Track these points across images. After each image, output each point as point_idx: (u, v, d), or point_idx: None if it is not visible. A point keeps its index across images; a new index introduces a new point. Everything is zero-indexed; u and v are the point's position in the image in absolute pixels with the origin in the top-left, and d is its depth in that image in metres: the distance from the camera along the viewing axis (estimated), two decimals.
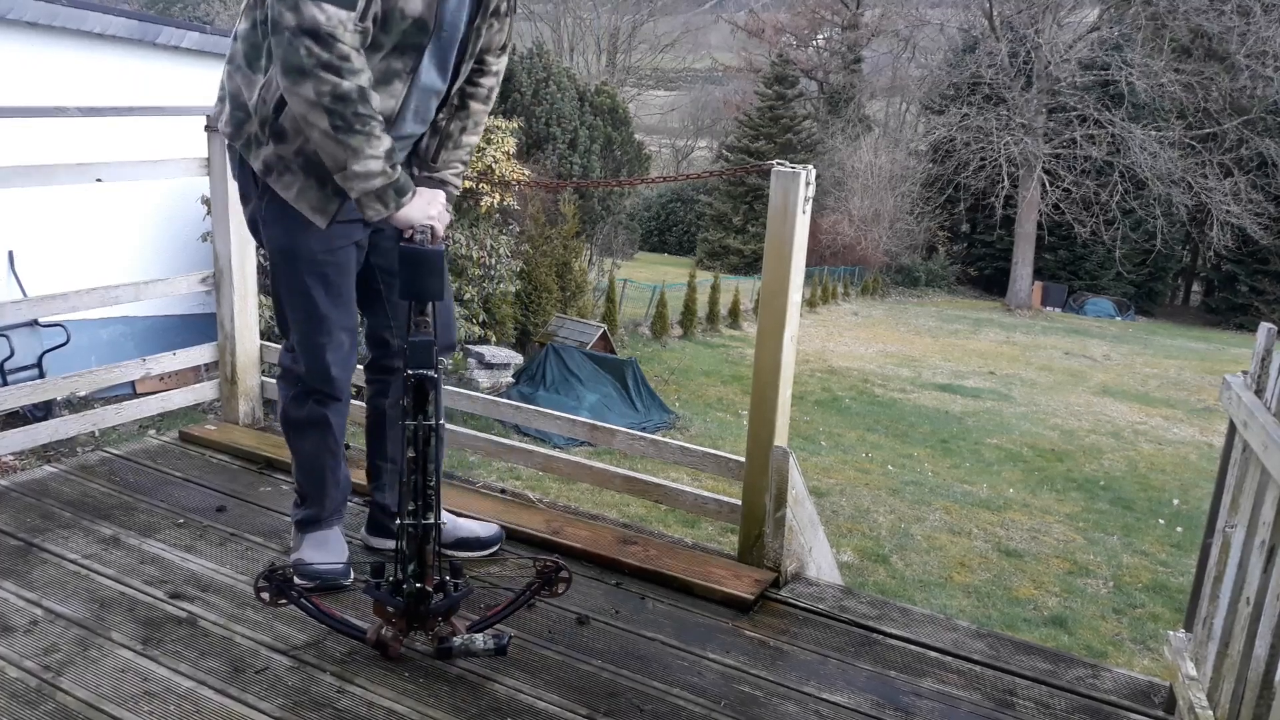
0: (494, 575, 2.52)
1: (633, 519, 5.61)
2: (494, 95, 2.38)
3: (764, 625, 2.44)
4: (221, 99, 2.20)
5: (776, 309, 2.54)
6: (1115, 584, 6.96)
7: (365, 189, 1.98)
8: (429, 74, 2.13)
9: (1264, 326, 2.01)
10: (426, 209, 2.08)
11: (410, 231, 2.09)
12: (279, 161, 2.10)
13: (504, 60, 2.36)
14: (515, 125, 10.73)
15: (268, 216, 2.19)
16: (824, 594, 2.63)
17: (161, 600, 2.32)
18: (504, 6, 2.23)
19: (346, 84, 1.88)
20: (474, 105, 2.33)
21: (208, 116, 3.23)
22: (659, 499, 3.03)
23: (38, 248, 7.55)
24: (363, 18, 1.90)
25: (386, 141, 1.97)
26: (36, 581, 2.37)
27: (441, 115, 2.28)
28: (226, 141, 2.22)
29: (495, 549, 2.66)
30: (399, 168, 2.01)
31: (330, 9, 1.85)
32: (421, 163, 2.32)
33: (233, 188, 3.24)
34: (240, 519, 2.81)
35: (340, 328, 2.29)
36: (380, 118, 1.96)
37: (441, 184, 2.32)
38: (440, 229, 2.14)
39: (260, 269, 3.57)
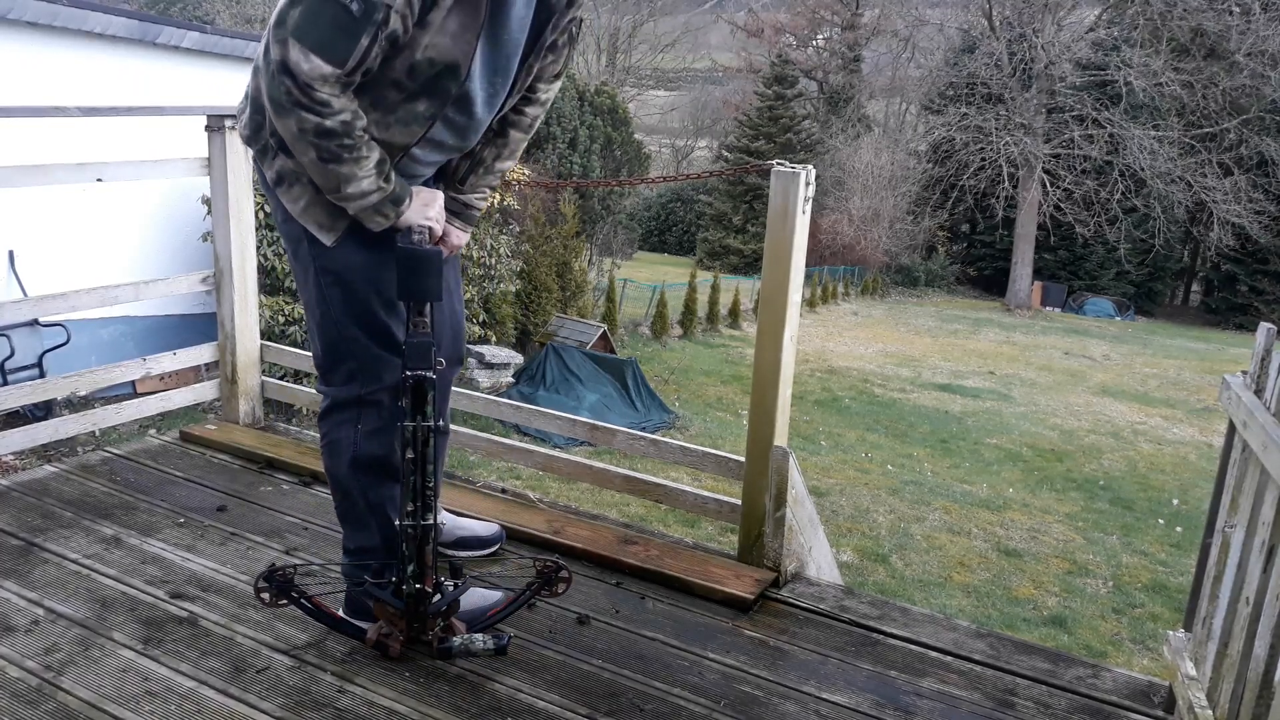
0: (494, 575, 2.53)
1: (633, 519, 5.61)
2: (537, 123, 2.28)
3: (764, 625, 2.44)
4: (246, 96, 2.11)
5: (776, 309, 2.54)
6: (1115, 584, 6.96)
7: (362, 206, 1.95)
8: (464, 113, 2.05)
9: (1263, 326, 2.01)
10: (425, 210, 2.06)
11: (408, 231, 2.08)
12: (291, 174, 2.03)
13: (555, 87, 2.25)
14: None
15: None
16: (824, 594, 2.64)
17: (162, 600, 2.32)
18: (562, 40, 2.14)
19: (328, 123, 1.83)
20: (514, 133, 2.25)
21: (208, 116, 3.24)
22: (659, 499, 3.03)
23: (38, 247, 7.55)
24: (352, 72, 1.82)
25: (375, 155, 1.92)
26: (38, 581, 2.37)
27: (478, 141, 2.19)
28: (246, 147, 2.17)
29: (495, 549, 2.66)
30: (393, 177, 1.97)
31: (315, 60, 1.77)
32: (448, 183, 2.25)
33: (233, 187, 3.26)
34: (241, 519, 2.81)
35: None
36: (367, 137, 1.90)
37: (465, 207, 2.28)
38: (439, 229, 2.12)
39: (260, 269, 3.58)
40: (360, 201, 1.95)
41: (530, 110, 2.23)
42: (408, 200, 2.00)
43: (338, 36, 1.77)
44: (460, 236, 2.26)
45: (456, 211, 2.26)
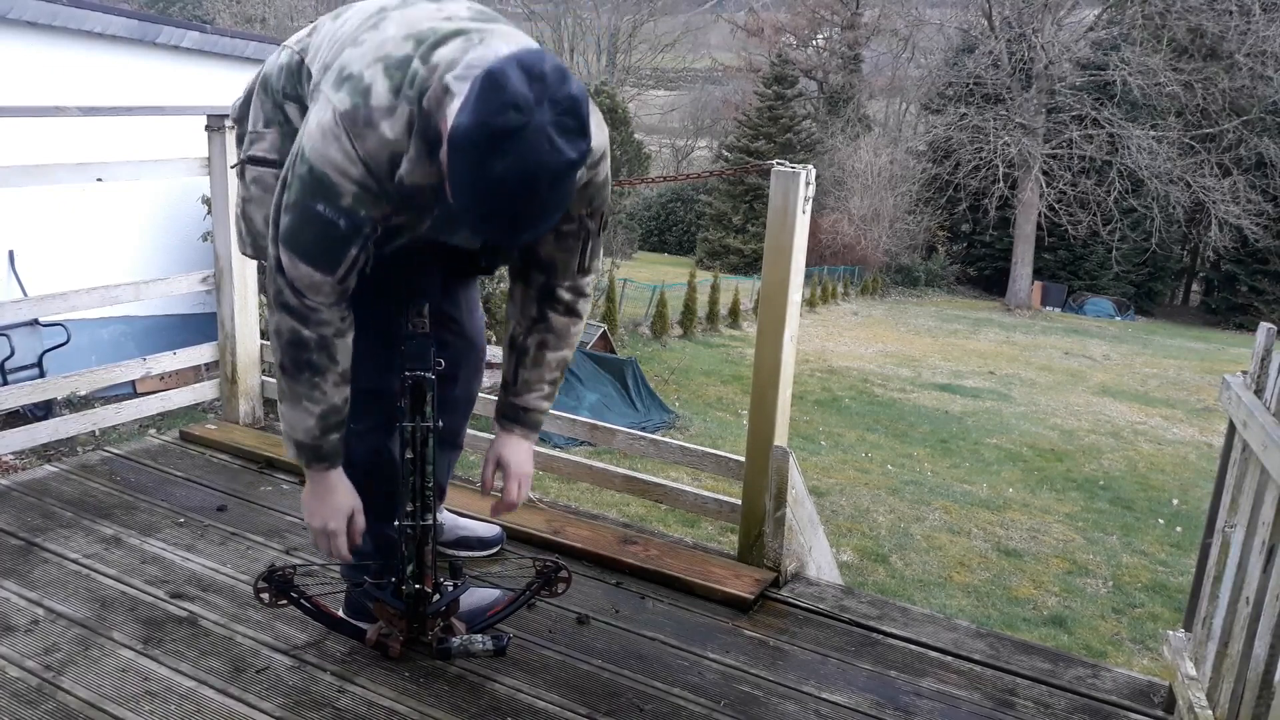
0: (494, 575, 2.52)
1: (633, 519, 5.61)
2: (581, 307, 2.04)
3: (764, 625, 2.44)
4: (248, 87, 2.11)
5: (776, 308, 2.54)
6: (1115, 584, 6.96)
7: (287, 433, 1.92)
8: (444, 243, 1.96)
9: (1263, 326, 2.01)
10: (325, 508, 1.94)
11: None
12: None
13: (586, 280, 2.02)
14: None
15: None
16: (824, 593, 2.64)
17: (162, 600, 2.32)
18: (567, 224, 1.91)
19: (306, 332, 1.80)
20: (554, 318, 2.02)
21: (208, 116, 3.24)
22: (659, 499, 3.03)
23: (38, 247, 7.55)
24: (344, 279, 1.78)
25: (329, 400, 1.86)
26: (37, 581, 2.37)
27: (518, 328, 2.04)
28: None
29: (496, 549, 2.66)
30: (331, 438, 1.90)
31: (305, 268, 1.75)
32: (504, 386, 2.10)
33: (233, 187, 3.26)
34: (241, 518, 2.81)
35: None
36: (336, 370, 1.86)
37: (523, 410, 2.07)
38: (326, 533, 1.95)
39: (260, 269, 3.58)
40: (288, 427, 1.91)
41: (563, 295, 2.01)
42: (324, 467, 1.92)
43: (326, 248, 1.74)
44: (520, 454, 2.07)
45: (512, 417, 2.08)
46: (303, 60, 1.91)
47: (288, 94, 1.94)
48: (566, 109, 1.51)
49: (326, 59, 1.81)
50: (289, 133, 1.94)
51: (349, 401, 1.91)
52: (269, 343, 2.06)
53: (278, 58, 2.00)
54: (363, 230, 1.73)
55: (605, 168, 1.88)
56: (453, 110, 1.58)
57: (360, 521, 2.00)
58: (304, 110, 1.86)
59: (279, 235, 1.77)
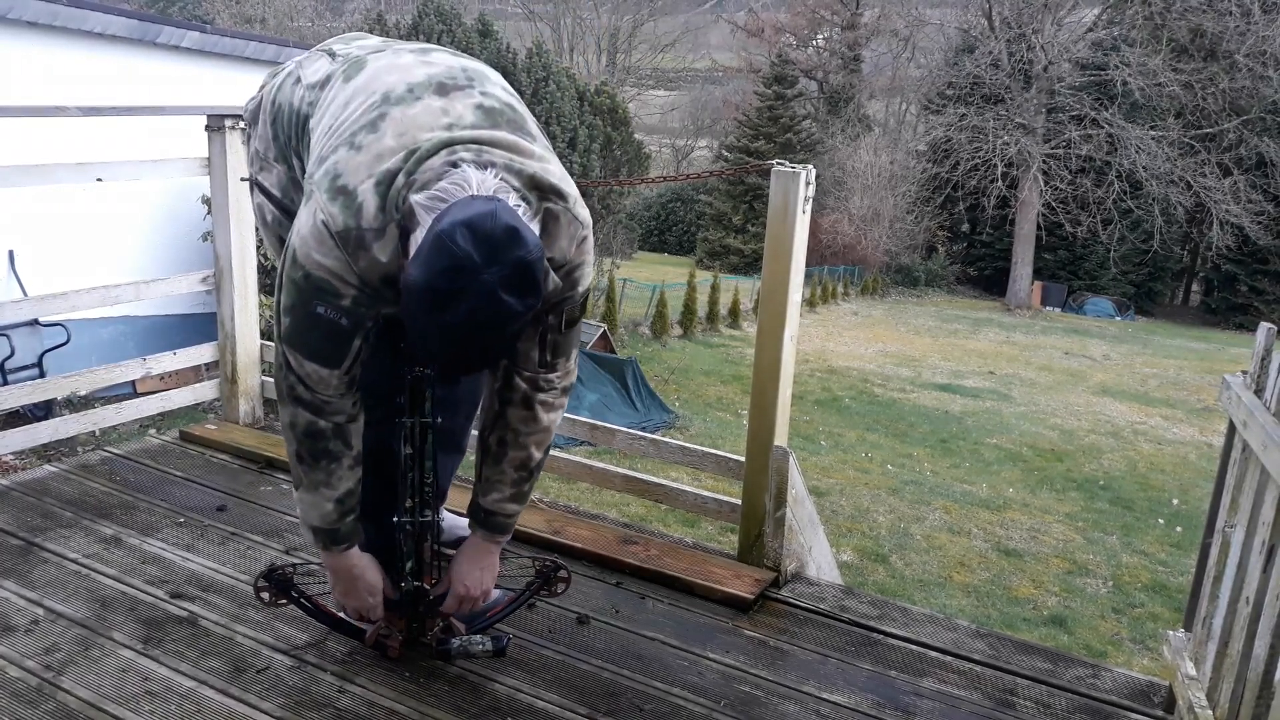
0: None
1: (633, 519, 5.61)
2: (539, 402, 1.93)
3: (764, 625, 2.44)
4: (260, 87, 2.12)
5: (776, 308, 2.54)
6: (1114, 584, 6.96)
7: (304, 519, 1.95)
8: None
9: (1263, 326, 2.01)
10: (359, 592, 2.01)
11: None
12: (259, 157, 2.09)
13: (554, 374, 1.94)
14: None
15: None
16: (824, 594, 2.64)
17: (162, 600, 2.33)
18: (533, 330, 1.86)
19: (322, 423, 1.84)
20: (510, 412, 1.94)
21: (208, 116, 3.24)
22: (659, 498, 3.03)
23: (38, 247, 7.55)
24: (349, 370, 1.81)
25: (345, 485, 1.89)
26: (37, 581, 2.37)
27: (485, 421, 2.01)
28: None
29: None
30: (347, 521, 1.93)
31: (311, 366, 1.79)
32: (474, 480, 2.07)
33: (233, 187, 3.26)
34: (241, 518, 2.81)
35: None
36: (351, 454, 1.89)
37: (485, 513, 2.02)
38: (359, 615, 2.07)
39: (260, 268, 3.58)
40: (305, 513, 1.94)
41: (521, 385, 1.93)
42: (343, 548, 1.95)
43: (330, 346, 1.78)
44: (473, 570, 2.04)
45: (475, 516, 2.05)
46: (309, 118, 1.92)
47: (293, 148, 1.97)
48: (515, 269, 1.55)
49: (323, 148, 1.79)
50: (294, 180, 1.98)
51: (361, 482, 1.94)
52: (271, 374, 2.06)
53: (292, 92, 1.98)
54: (363, 325, 1.77)
55: (578, 276, 1.84)
56: (416, 238, 1.62)
57: (388, 586, 2.06)
58: (305, 169, 1.88)
59: (283, 335, 1.80)
